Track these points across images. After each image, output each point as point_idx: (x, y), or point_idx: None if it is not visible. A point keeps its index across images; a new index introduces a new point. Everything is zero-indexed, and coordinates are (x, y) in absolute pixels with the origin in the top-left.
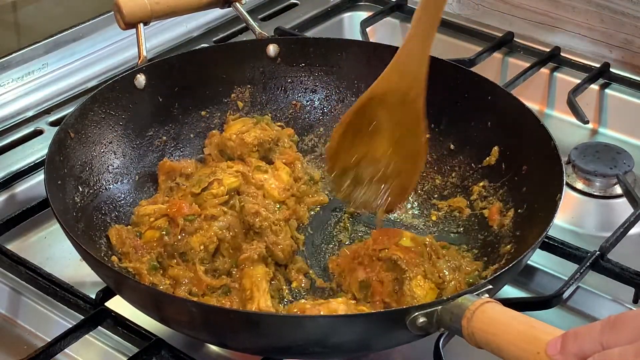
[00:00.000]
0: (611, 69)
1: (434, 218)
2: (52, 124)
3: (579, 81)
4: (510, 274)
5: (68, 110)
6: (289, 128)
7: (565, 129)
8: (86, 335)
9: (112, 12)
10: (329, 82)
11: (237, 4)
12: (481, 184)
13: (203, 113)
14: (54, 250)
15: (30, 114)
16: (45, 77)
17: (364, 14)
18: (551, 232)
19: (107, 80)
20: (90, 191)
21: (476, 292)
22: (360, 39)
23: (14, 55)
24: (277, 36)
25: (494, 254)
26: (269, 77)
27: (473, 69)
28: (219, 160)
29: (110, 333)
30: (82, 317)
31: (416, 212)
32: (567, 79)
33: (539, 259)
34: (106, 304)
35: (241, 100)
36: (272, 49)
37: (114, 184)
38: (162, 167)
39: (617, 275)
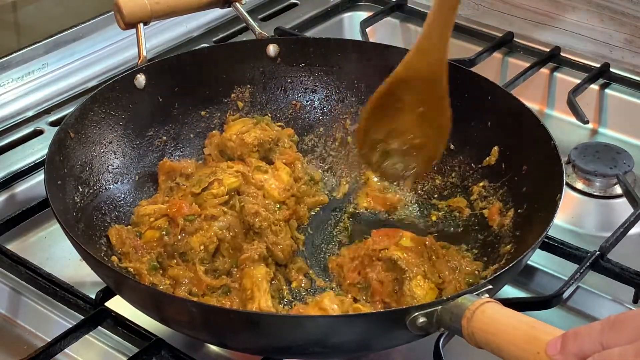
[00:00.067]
0: (611, 69)
1: (434, 218)
2: (52, 124)
3: (579, 81)
4: (510, 274)
5: (68, 110)
6: (289, 128)
7: (565, 129)
8: (86, 335)
9: (112, 12)
10: (329, 82)
11: (237, 4)
12: (481, 184)
13: (203, 113)
14: (54, 250)
15: (30, 114)
16: (45, 77)
17: (364, 14)
18: (551, 232)
19: (107, 80)
20: (90, 191)
21: (476, 292)
22: (360, 39)
23: (14, 55)
24: (277, 36)
25: (494, 254)
26: (269, 77)
27: (473, 69)
28: (219, 160)
29: (110, 333)
30: (82, 317)
31: (416, 212)
32: (567, 79)
33: (539, 259)
34: (106, 304)
35: (241, 100)
36: (272, 49)
37: (114, 184)
38: (162, 167)
39: (617, 275)
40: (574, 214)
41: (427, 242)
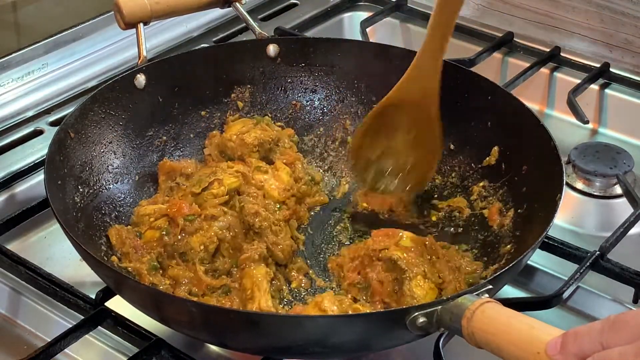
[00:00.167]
0: (611, 69)
1: (434, 218)
2: (52, 124)
3: (579, 81)
4: (510, 274)
5: (68, 110)
6: (289, 128)
7: (565, 129)
8: (86, 335)
9: (112, 12)
10: (329, 82)
11: (237, 4)
12: (481, 184)
13: (203, 113)
14: (54, 250)
15: (30, 114)
16: (45, 77)
17: (364, 14)
18: (551, 232)
19: (107, 80)
20: (90, 191)
21: (476, 292)
22: (360, 39)
23: (14, 55)
24: (277, 36)
25: (494, 254)
26: (269, 77)
27: (473, 69)
28: (219, 160)
29: (110, 333)
30: (82, 317)
31: (416, 212)
32: (567, 79)
33: (539, 259)
34: (106, 304)
35: (241, 100)
36: (272, 49)
37: (114, 184)
38: (162, 167)
39: (617, 275)
40: (574, 214)
41: (427, 242)
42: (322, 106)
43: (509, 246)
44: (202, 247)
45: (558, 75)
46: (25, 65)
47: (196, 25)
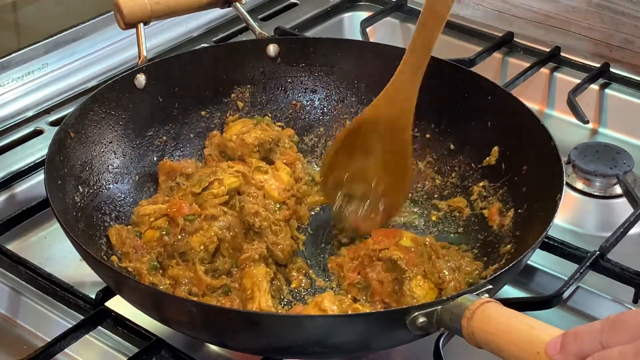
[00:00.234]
0: (611, 69)
1: (434, 218)
2: (52, 124)
3: (579, 81)
4: (510, 274)
5: (68, 110)
6: (289, 128)
7: (565, 129)
8: (86, 335)
9: (112, 12)
10: (329, 82)
11: (237, 4)
12: (481, 184)
13: (203, 113)
14: (54, 250)
15: (30, 114)
16: (45, 77)
17: (364, 14)
18: (551, 232)
19: (107, 80)
20: (90, 191)
21: (476, 292)
22: (360, 39)
23: (14, 55)
24: (277, 36)
25: (494, 254)
26: (269, 77)
27: (473, 69)
28: (219, 160)
29: (110, 333)
30: (82, 317)
31: (416, 212)
32: (567, 79)
33: (539, 259)
34: (106, 304)
35: (241, 100)
36: (272, 49)
37: (114, 184)
38: (162, 167)
39: (617, 275)
40: (574, 214)
41: (427, 242)
42: (322, 106)
43: (509, 246)
44: (202, 247)
45: (558, 75)
46: (25, 65)
47: (196, 25)
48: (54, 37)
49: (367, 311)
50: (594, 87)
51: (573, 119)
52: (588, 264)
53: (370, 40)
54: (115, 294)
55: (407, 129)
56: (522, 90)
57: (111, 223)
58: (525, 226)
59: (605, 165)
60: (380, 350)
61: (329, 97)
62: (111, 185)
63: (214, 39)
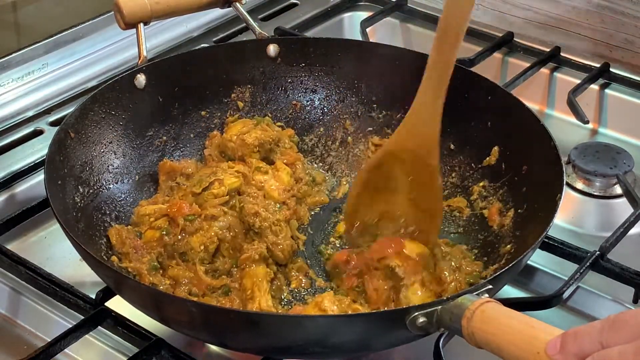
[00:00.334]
0: (611, 69)
1: None
2: (52, 124)
3: (579, 81)
4: (510, 274)
5: (68, 110)
6: (289, 129)
7: (565, 129)
8: (86, 335)
9: (112, 12)
10: (329, 82)
11: (237, 4)
12: (481, 184)
13: (203, 113)
14: (54, 250)
15: (30, 114)
16: (45, 77)
17: (364, 14)
18: (551, 232)
19: (107, 80)
20: (90, 191)
21: (476, 292)
22: (360, 39)
23: (14, 55)
24: (277, 36)
25: (494, 254)
26: (269, 77)
27: (473, 69)
28: (219, 160)
29: (110, 333)
30: (82, 317)
31: None
32: (567, 79)
33: (539, 259)
34: (106, 304)
35: (241, 100)
36: (272, 49)
37: (114, 184)
38: (162, 168)
39: (617, 275)
40: (574, 214)
41: (433, 250)
42: (322, 106)
43: (509, 246)
44: (202, 247)
45: (558, 75)
46: (25, 65)
47: (196, 25)
48: (54, 37)
49: (367, 311)
50: (594, 87)
51: (573, 119)
52: (588, 264)
53: (370, 40)
54: (115, 294)
55: (433, 156)
56: (522, 90)
57: (111, 223)
58: (525, 226)
59: (605, 165)
60: (380, 350)
61: (329, 97)
62: (111, 186)
63: (214, 39)
